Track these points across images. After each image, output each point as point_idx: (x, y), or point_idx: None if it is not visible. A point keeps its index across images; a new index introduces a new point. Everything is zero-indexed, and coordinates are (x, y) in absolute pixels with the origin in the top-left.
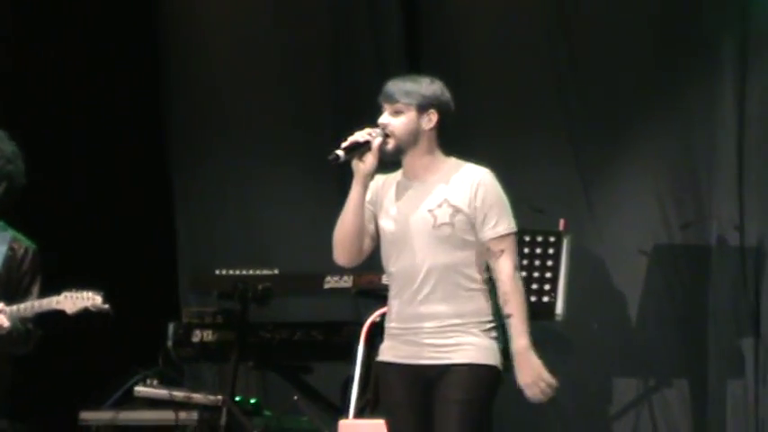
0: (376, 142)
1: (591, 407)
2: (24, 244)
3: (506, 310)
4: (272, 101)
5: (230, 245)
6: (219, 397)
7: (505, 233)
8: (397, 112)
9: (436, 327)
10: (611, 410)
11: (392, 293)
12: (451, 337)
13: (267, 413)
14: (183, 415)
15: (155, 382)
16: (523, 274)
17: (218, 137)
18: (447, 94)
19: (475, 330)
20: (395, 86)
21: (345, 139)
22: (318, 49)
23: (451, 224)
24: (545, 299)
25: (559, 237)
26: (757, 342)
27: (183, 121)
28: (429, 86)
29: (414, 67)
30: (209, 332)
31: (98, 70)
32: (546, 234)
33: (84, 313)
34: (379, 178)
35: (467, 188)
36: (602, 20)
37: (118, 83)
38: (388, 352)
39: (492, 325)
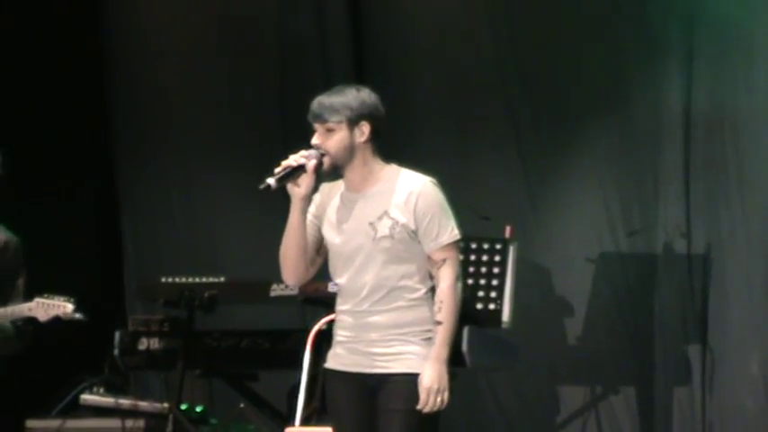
0: (311, 164)
1: (538, 414)
2: (5, 238)
3: (438, 317)
4: (219, 107)
5: (177, 252)
6: (166, 405)
7: (447, 242)
8: (329, 131)
9: (379, 337)
10: (559, 418)
11: (338, 302)
12: (393, 346)
13: (214, 421)
14: (129, 423)
15: (101, 390)
16: (470, 281)
17: (164, 144)
18: (375, 99)
19: (417, 340)
20: (322, 105)
21: (279, 164)
22: (266, 52)
23: (391, 236)
24: (491, 306)
25: (506, 244)
26: (704, 349)
27: (129, 126)
28: (356, 97)
29: (360, 77)
30: (156, 340)
31: (42, 71)
32: (492, 241)
33: (56, 321)
34: (324, 187)
35: (405, 199)
36: (549, 25)
37: (63, 86)
38: (334, 360)
39: (433, 334)
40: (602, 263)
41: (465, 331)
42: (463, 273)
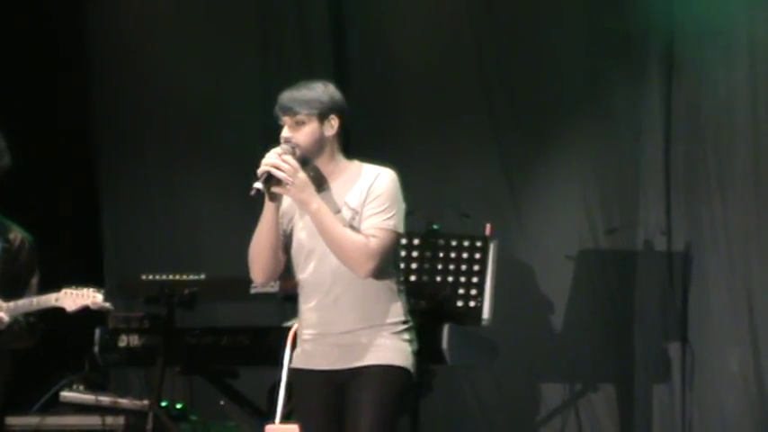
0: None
1: (517, 411)
2: (20, 236)
3: (347, 229)
4: (200, 103)
5: (157, 250)
6: (146, 402)
7: (381, 226)
8: (298, 123)
9: (346, 331)
10: (538, 415)
11: (301, 300)
12: (361, 340)
13: (194, 418)
14: (109, 420)
15: (81, 387)
16: (450, 278)
17: (145, 142)
18: (341, 95)
19: (385, 333)
20: (292, 98)
21: (259, 167)
22: (247, 51)
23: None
24: (471, 303)
25: (486, 241)
26: (684, 347)
27: (111, 122)
28: (325, 92)
29: (341, 77)
30: (136, 337)
31: (24, 69)
32: (472, 239)
33: (84, 311)
34: None
35: (363, 188)
36: (529, 27)
37: (44, 85)
38: (301, 359)
39: (404, 327)
40: (582, 260)
41: (445, 329)
42: (443, 270)
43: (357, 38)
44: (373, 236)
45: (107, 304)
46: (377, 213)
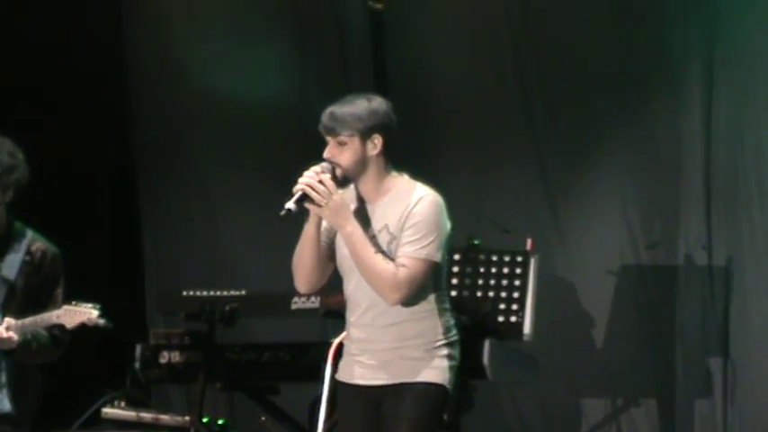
0: (326, 179)
1: (559, 427)
2: (43, 247)
3: (380, 255)
4: (240, 115)
5: (197, 266)
6: (187, 418)
7: (413, 255)
8: (340, 144)
9: (384, 348)
10: (580, 431)
11: (347, 313)
12: (398, 357)
13: None
14: None
15: (122, 403)
16: (491, 294)
17: (185, 158)
18: (386, 108)
19: (422, 350)
20: (333, 117)
21: (296, 184)
22: (285, 66)
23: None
24: (513, 318)
25: (527, 256)
26: (725, 362)
27: (150, 139)
28: (368, 109)
29: (380, 90)
30: (177, 353)
31: (64, 83)
32: (513, 254)
33: (82, 328)
34: (342, 194)
35: (403, 212)
36: (568, 39)
37: (85, 99)
38: (343, 372)
39: (442, 342)
40: (623, 275)
41: (486, 344)
42: (484, 285)
43: (396, 49)
44: (403, 265)
45: (102, 321)
46: (411, 242)
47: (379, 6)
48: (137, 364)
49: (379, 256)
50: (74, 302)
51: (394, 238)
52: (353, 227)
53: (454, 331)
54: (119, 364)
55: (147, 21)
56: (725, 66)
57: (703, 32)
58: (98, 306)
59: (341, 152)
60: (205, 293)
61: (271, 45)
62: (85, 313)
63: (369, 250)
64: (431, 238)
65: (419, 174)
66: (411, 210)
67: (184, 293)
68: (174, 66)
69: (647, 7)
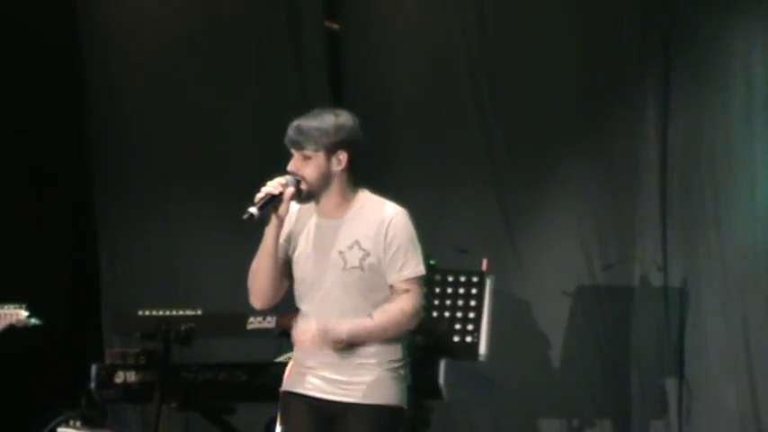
0: (288, 192)
1: None
2: None
3: (374, 314)
4: (194, 138)
5: (153, 286)
6: None
7: (411, 276)
8: (305, 158)
9: (344, 365)
10: None
11: (300, 327)
12: (358, 375)
13: None
14: None
15: (78, 423)
16: (446, 314)
17: (142, 177)
18: (353, 123)
19: (380, 370)
20: (300, 131)
21: (258, 192)
22: (242, 89)
23: (361, 268)
24: (468, 339)
25: (482, 277)
26: (681, 382)
27: (107, 156)
28: (334, 124)
29: (337, 107)
30: (132, 373)
31: (17, 100)
32: (469, 274)
33: (11, 331)
34: (292, 212)
35: (377, 230)
36: (524, 60)
37: (39, 114)
38: (294, 383)
39: (400, 364)
40: (578, 296)
41: (442, 364)
42: (440, 305)
43: (353, 69)
44: (405, 290)
45: (33, 320)
46: (403, 266)
47: (335, 27)
48: (92, 384)
49: (378, 317)
50: None
51: (368, 254)
52: (348, 330)
53: (407, 351)
54: (74, 383)
55: (101, 36)
56: (682, 87)
57: (660, 54)
58: (24, 305)
59: (305, 166)
60: (161, 313)
61: (227, 67)
62: (13, 315)
63: (373, 326)
64: (416, 255)
65: (376, 191)
66: (389, 232)
67: (140, 313)
68: (131, 92)
69: (604, 31)
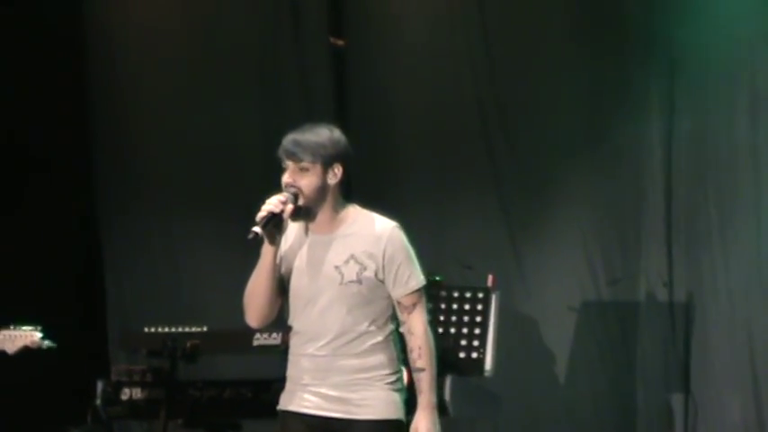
0: (288, 209)
1: None
2: None
3: (419, 363)
4: (199, 154)
5: (159, 302)
6: None
7: (416, 288)
8: (302, 170)
9: (343, 381)
10: None
11: (295, 344)
12: (358, 391)
13: None
14: None
15: None
16: (452, 330)
17: (146, 194)
18: (345, 141)
19: (380, 384)
20: (297, 143)
21: (259, 211)
22: (248, 104)
23: (359, 281)
24: (474, 354)
25: (488, 293)
26: (686, 398)
27: (112, 175)
28: (330, 138)
29: (342, 123)
30: (138, 390)
31: (23, 118)
32: (474, 290)
33: (26, 352)
34: (290, 228)
35: (374, 244)
36: (529, 72)
37: (46, 135)
38: (292, 402)
39: (396, 377)
40: (584, 311)
41: (447, 380)
42: (445, 321)
43: (357, 84)
44: (414, 304)
45: (47, 342)
46: (407, 280)
47: (340, 43)
48: (98, 401)
49: (420, 359)
50: (12, 326)
51: (364, 268)
52: (428, 402)
53: (402, 364)
54: (80, 400)
55: (108, 60)
56: (686, 101)
57: (665, 68)
58: (39, 327)
59: (302, 177)
60: (167, 330)
61: (233, 83)
62: (27, 336)
63: (428, 374)
64: (417, 266)
65: (380, 208)
66: (386, 249)
67: (146, 330)
68: (137, 107)
69: (610, 42)
